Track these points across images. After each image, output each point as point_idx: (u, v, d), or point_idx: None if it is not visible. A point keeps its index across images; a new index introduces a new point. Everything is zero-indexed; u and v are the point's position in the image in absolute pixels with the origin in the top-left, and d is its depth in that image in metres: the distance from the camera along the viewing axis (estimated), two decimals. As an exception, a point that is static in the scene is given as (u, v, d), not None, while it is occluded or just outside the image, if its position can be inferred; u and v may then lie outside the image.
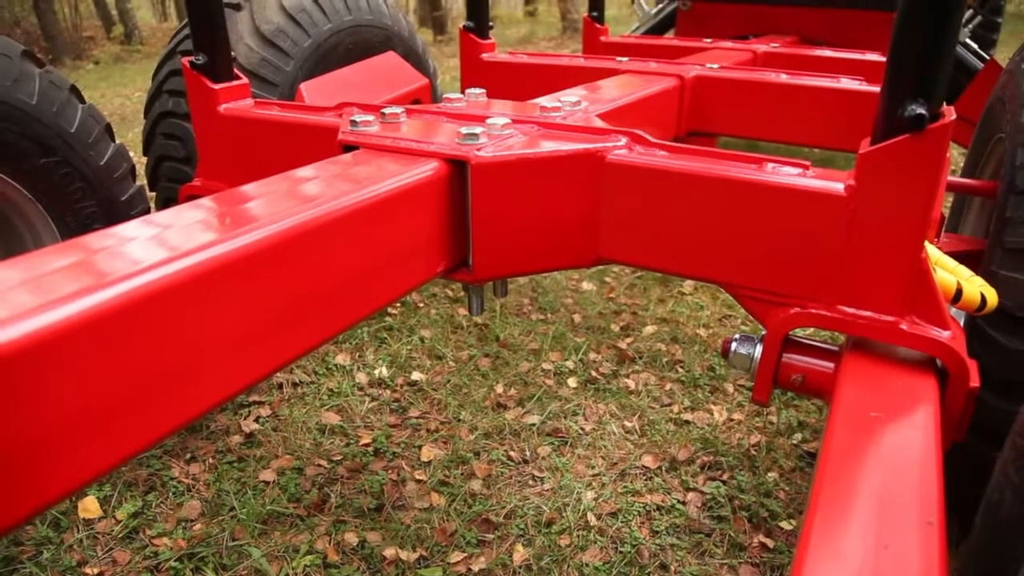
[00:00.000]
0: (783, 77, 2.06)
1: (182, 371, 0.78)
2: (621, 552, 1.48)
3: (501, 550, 1.50)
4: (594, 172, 1.17)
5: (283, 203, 0.94)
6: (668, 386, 2.04)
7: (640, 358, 2.16)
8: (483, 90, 1.51)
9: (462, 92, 2.54)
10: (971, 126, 3.42)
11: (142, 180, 2.92)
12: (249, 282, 0.85)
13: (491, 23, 2.47)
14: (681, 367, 2.12)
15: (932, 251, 1.19)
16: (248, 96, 1.64)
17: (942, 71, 0.93)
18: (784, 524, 1.56)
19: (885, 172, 0.98)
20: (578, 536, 1.53)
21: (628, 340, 2.27)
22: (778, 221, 1.07)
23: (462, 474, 1.72)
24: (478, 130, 1.12)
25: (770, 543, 1.51)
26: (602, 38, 3.07)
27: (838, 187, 1.02)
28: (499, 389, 2.03)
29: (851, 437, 0.97)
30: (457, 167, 1.12)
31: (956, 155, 4.07)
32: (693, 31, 3.96)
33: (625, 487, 1.67)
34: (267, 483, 1.67)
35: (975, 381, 1.03)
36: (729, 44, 2.88)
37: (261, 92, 1.98)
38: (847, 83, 1.98)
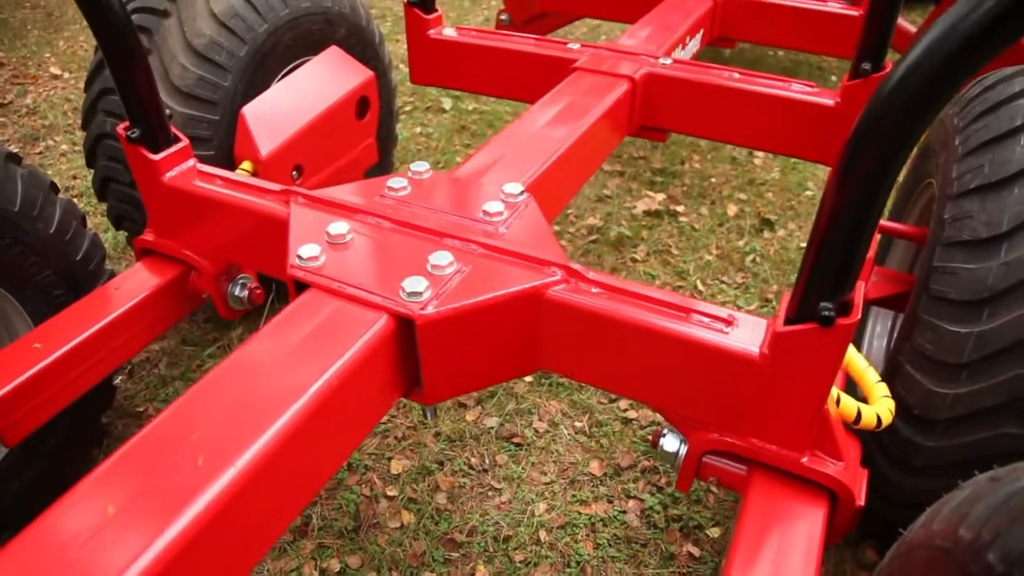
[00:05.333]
0: (735, 76, 2.05)
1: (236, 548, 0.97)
2: (569, 570, 1.72)
3: (465, 570, 1.73)
4: (534, 307, 1.25)
5: (264, 409, 1.02)
6: (616, 378, 2.21)
7: (592, 346, 2.31)
8: (427, 167, 1.52)
9: (409, 72, 2.46)
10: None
11: (92, 205, 2.83)
12: (252, 490, 0.98)
13: (437, -7, 2.35)
14: (629, 354, 2.28)
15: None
16: (190, 157, 1.63)
17: (852, 276, 1.01)
18: (710, 532, 1.80)
19: (794, 350, 1.08)
20: (532, 551, 1.76)
21: (581, 322, 2.40)
22: (698, 369, 1.18)
23: (428, 487, 1.92)
24: (422, 286, 1.18)
25: (696, 552, 1.76)
26: None
27: (753, 351, 1.13)
28: (460, 387, 2.18)
29: (753, 546, 1.16)
30: (404, 319, 1.19)
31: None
32: None
33: (574, 495, 1.89)
34: (253, 508, 1.86)
35: (860, 501, 1.20)
36: None
37: (200, 113, 1.92)
38: (796, 90, 1.99)
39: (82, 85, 4.08)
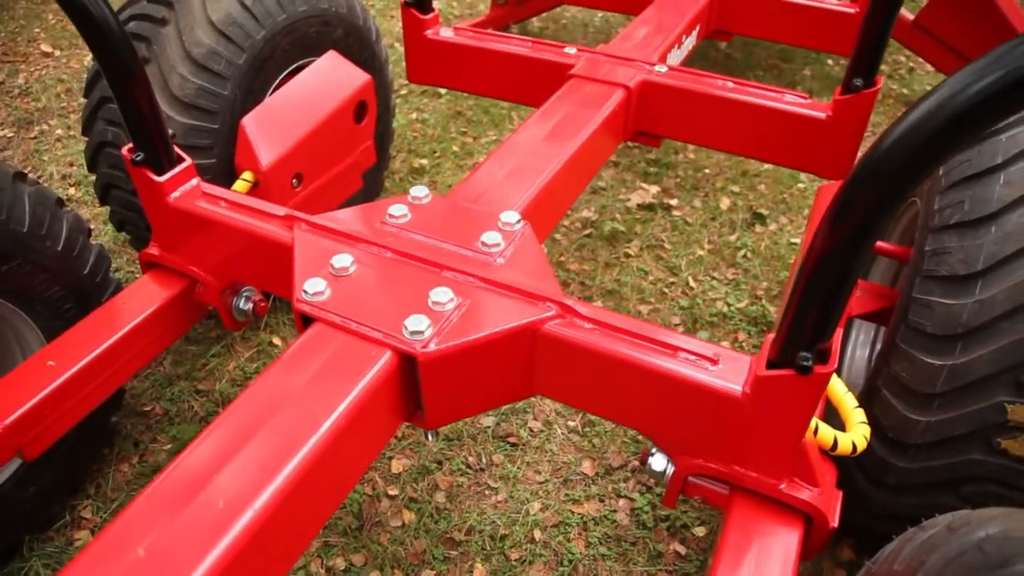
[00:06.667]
0: (728, 86, 2.08)
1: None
2: (562, 569, 1.82)
3: (464, 568, 1.83)
4: (529, 340, 1.31)
5: (278, 449, 1.09)
6: (609, 377, 2.28)
7: (585, 345, 2.38)
8: (427, 192, 1.56)
9: (406, 71, 2.47)
10: (931, 39, 3.41)
11: (89, 194, 2.85)
12: (281, 512, 1.06)
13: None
14: (622, 353, 2.35)
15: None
16: (193, 177, 1.67)
17: (831, 327, 1.07)
18: (696, 531, 1.89)
19: (774, 392, 1.15)
20: (527, 550, 1.86)
21: (575, 319, 2.46)
22: (684, 403, 1.25)
23: (427, 486, 2.00)
24: (423, 325, 1.23)
25: (683, 550, 1.86)
26: None
27: (736, 389, 1.19)
28: (458, 385, 2.26)
29: (734, 562, 1.25)
30: (407, 355, 1.25)
31: (906, 58, 4.02)
32: None
33: (567, 495, 1.98)
34: (260, 507, 1.94)
35: (833, 524, 1.28)
36: None
37: (201, 123, 1.95)
38: (789, 101, 2.02)
39: (74, 63, 4.08)
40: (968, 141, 0.84)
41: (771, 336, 1.18)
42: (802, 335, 1.09)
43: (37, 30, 4.42)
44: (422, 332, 1.23)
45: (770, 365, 1.15)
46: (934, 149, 0.86)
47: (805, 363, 1.08)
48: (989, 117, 0.82)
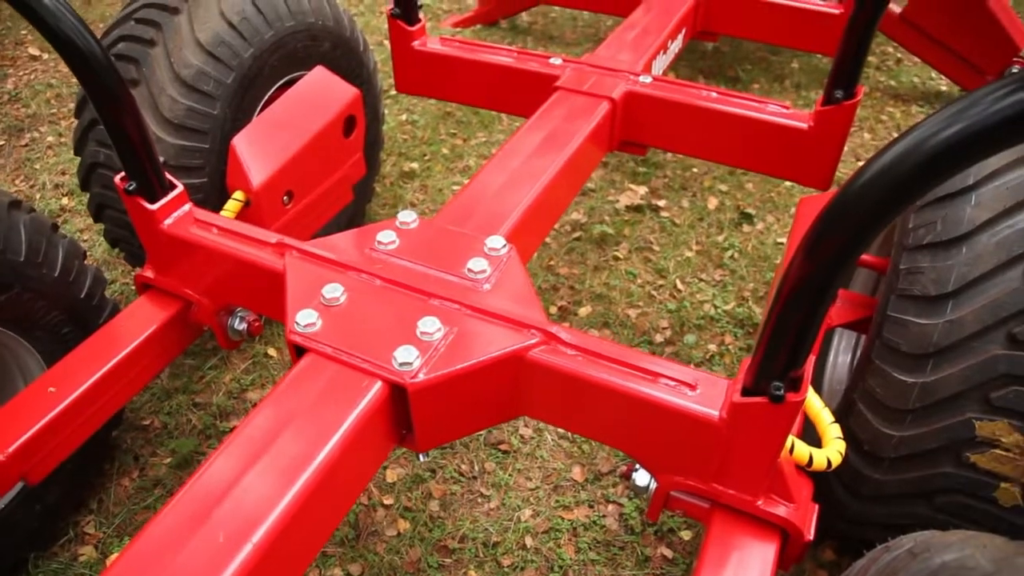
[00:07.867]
0: (712, 96, 2.11)
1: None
2: (552, 575, 1.87)
3: (458, 575, 1.89)
4: (515, 367, 1.35)
5: (276, 481, 1.14)
6: (598, 382, 2.33)
7: (575, 350, 2.42)
8: (415, 216, 1.59)
9: (394, 81, 2.49)
10: (917, 32, 3.43)
11: (82, 203, 2.86)
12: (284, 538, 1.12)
13: (419, 3, 2.36)
14: (611, 357, 2.40)
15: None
16: (186, 202, 1.70)
17: (802, 357, 1.11)
18: (683, 535, 1.95)
19: (748, 418, 1.20)
20: (519, 556, 1.92)
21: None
22: (664, 426, 1.29)
23: (422, 494, 2.06)
24: (412, 356, 1.28)
25: (670, 554, 1.92)
26: None
27: (713, 414, 1.24)
28: (451, 393, 2.30)
29: (713, 573, 1.31)
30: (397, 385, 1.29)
31: (894, 49, 4.03)
32: None
33: (557, 501, 2.04)
34: (259, 518, 1.99)
35: (808, 537, 1.34)
36: None
37: (192, 143, 1.97)
38: (771, 111, 2.05)
39: (63, 67, 4.07)
40: (936, 184, 0.87)
41: (747, 361, 1.23)
42: (774, 366, 1.13)
43: (24, 32, 4.40)
44: (411, 363, 1.27)
45: (745, 392, 1.19)
46: (901, 193, 0.88)
47: (777, 392, 1.13)
48: (956, 163, 0.85)
